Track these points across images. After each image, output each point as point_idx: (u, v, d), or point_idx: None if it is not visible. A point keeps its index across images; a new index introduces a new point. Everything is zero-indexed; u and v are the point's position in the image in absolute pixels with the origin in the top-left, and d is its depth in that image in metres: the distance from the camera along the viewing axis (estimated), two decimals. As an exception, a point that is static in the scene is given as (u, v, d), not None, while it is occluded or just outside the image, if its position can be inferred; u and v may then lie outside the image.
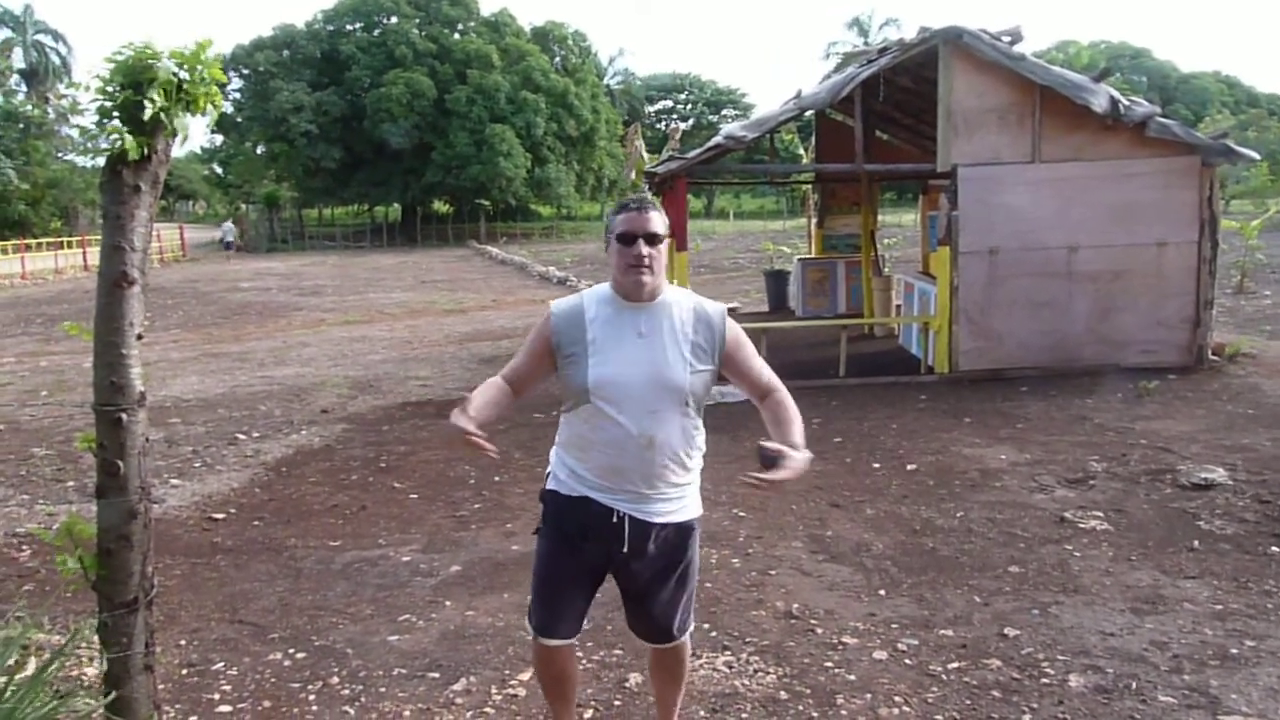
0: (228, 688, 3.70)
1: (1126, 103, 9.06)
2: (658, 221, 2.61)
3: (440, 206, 54.05)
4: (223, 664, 3.90)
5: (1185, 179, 9.29)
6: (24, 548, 5.42)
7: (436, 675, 3.76)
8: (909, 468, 6.56)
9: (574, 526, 2.71)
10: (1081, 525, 5.27)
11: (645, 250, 2.57)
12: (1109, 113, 8.91)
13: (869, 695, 3.50)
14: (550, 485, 2.80)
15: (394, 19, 48.58)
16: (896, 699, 3.47)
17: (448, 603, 4.48)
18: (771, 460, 2.45)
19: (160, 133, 2.33)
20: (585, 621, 2.89)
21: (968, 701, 3.43)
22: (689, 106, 73.71)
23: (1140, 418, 7.69)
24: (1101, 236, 9.34)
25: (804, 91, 10.34)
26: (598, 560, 2.76)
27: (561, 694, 2.99)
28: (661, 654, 3.00)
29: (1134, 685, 3.50)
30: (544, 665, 2.95)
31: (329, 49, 47.84)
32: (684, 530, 2.75)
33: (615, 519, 2.65)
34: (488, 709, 3.48)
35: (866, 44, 53.05)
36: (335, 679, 3.75)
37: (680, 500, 2.73)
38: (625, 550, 2.67)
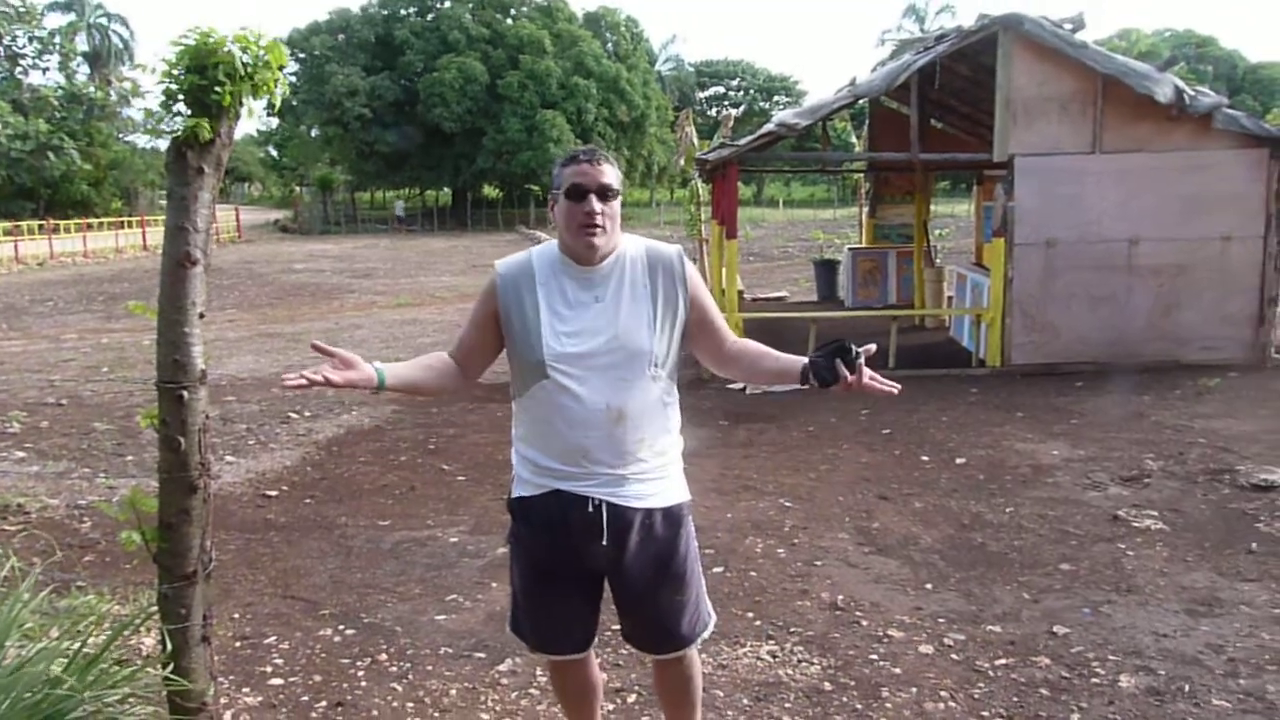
0: (280, 661, 3.78)
1: (1192, 93, 8.84)
2: (610, 174, 2.31)
3: (490, 191, 54.33)
4: (275, 638, 3.99)
5: (1252, 172, 9.06)
6: (85, 520, 5.57)
7: (483, 655, 3.80)
8: (959, 461, 6.49)
9: (547, 527, 2.39)
10: (1136, 524, 5.17)
11: (598, 207, 2.27)
12: (1173, 103, 8.70)
13: (914, 689, 3.48)
14: (516, 492, 2.45)
15: (447, 3, 48.85)
16: (943, 694, 3.44)
17: (494, 584, 4.52)
18: (846, 361, 2.23)
19: (224, 116, 2.36)
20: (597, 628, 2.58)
21: (1015, 699, 3.40)
22: (741, 93, 73.13)
23: (1200, 416, 7.52)
24: (1164, 230, 9.14)
25: (858, 79, 10.22)
26: (584, 562, 2.42)
27: (584, 706, 2.71)
28: (666, 668, 2.61)
29: (1187, 688, 3.43)
30: (560, 680, 2.67)
31: (383, 33, 48.21)
32: (672, 516, 2.43)
33: (590, 508, 2.33)
34: (533, 689, 3.51)
35: (923, 31, 52.25)
36: (384, 656, 3.81)
37: (661, 481, 2.41)
38: (605, 542, 2.34)
